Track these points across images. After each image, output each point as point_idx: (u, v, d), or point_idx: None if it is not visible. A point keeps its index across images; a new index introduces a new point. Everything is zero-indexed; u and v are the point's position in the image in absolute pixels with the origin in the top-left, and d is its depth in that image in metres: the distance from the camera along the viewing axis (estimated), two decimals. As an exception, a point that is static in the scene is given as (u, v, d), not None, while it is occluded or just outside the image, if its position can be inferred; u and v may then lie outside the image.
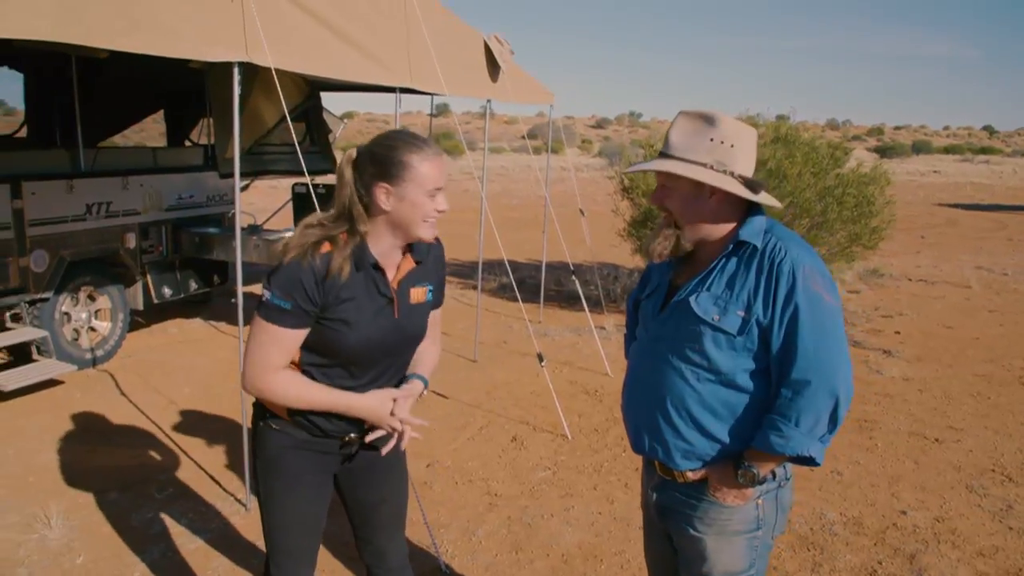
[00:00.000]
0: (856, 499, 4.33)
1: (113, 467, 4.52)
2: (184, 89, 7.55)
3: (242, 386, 2.11)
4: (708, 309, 1.93)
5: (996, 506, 4.28)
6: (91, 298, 6.35)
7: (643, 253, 7.77)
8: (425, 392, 2.30)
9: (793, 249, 1.90)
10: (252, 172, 7.29)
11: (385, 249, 2.10)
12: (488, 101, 6.55)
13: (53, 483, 4.33)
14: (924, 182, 32.96)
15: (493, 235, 5.55)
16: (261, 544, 2.35)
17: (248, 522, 3.89)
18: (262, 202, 12.02)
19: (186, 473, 4.46)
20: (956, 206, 22.93)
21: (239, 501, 4.12)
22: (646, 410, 2.08)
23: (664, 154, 2.00)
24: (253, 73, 5.04)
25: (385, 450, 2.20)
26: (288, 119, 4.22)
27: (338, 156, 6.80)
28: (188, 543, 3.72)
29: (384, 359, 2.18)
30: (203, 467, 4.52)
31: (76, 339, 6.19)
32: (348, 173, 2.06)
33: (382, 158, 2.02)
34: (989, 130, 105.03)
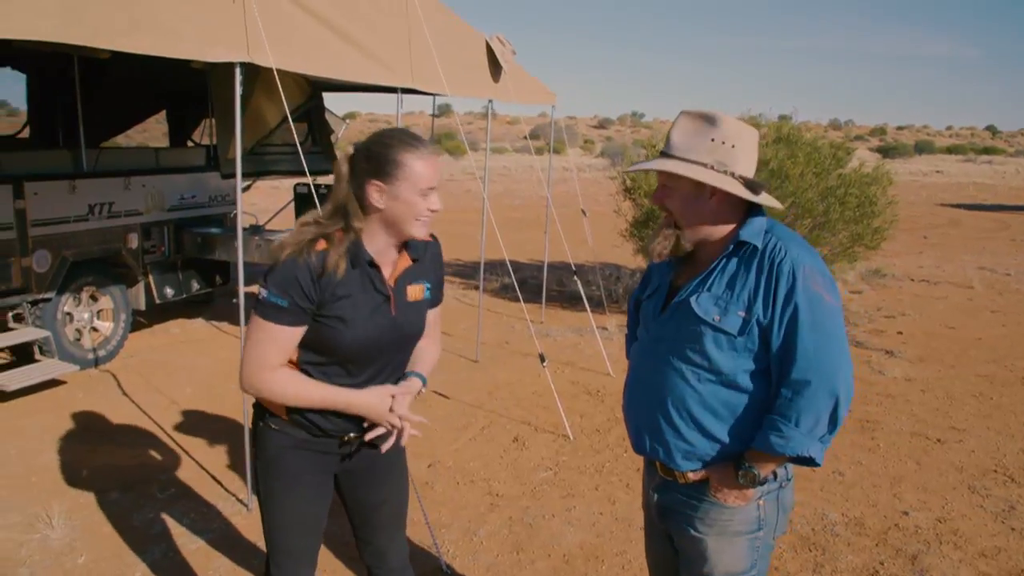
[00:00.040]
0: (858, 499, 4.32)
1: (115, 467, 4.53)
2: (186, 89, 7.56)
3: (240, 385, 2.11)
4: (709, 309, 1.93)
5: (998, 507, 4.27)
6: (93, 298, 6.36)
7: (644, 253, 7.78)
8: (423, 390, 2.30)
9: (793, 249, 1.90)
10: (254, 172, 7.30)
11: (380, 247, 2.11)
12: (490, 101, 6.55)
13: (55, 483, 4.34)
14: (927, 182, 32.93)
15: (495, 235, 5.55)
16: (262, 544, 2.35)
17: (249, 522, 3.89)
18: (264, 202, 12.02)
19: (188, 473, 4.46)
20: (959, 206, 22.91)
21: (240, 501, 4.12)
22: (647, 411, 2.07)
23: (665, 154, 2.00)
24: (255, 73, 5.04)
25: (385, 447, 2.19)
26: (290, 119, 4.21)
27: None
28: (189, 543, 3.73)
29: (381, 357, 2.18)
30: (205, 467, 4.53)
31: (78, 339, 6.20)
32: (344, 170, 2.08)
33: (377, 156, 2.03)
34: (992, 130, 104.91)
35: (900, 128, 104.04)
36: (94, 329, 6.37)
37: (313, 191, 4.26)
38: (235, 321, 7.26)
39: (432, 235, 2.26)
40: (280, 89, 3.92)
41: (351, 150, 2.10)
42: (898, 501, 4.32)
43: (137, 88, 7.53)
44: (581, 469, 4.65)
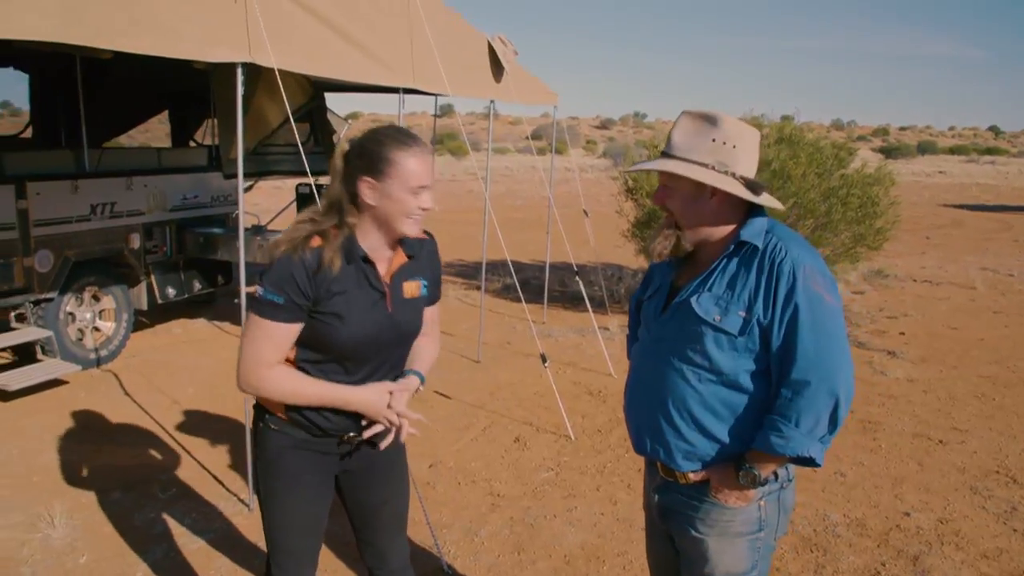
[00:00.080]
0: (860, 500, 4.32)
1: (116, 467, 4.53)
2: (189, 90, 7.57)
3: (237, 383, 2.11)
4: (709, 310, 1.93)
5: (1000, 508, 4.26)
6: (95, 298, 6.37)
7: (645, 253, 7.78)
8: (421, 388, 2.30)
9: (794, 249, 1.89)
10: (256, 173, 7.31)
11: (374, 243, 2.11)
12: (492, 102, 6.55)
13: (57, 482, 4.34)
14: (929, 183, 32.90)
15: (497, 236, 5.55)
16: (263, 544, 2.35)
17: (251, 522, 3.90)
18: (266, 203, 12.03)
19: (189, 473, 4.46)
20: (961, 207, 22.88)
21: (242, 501, 4.13)
22: (648, 411, 2.07)
23: (666, 154, 2.00)
24: (257, 74, 5.05)
25: (383, 445, 2.19)
26: (291, 120, 4.22)
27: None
28: (191, 543, 3.73)
29: (378, 354, 2.17)
30: (206, 467, 4.53)
31: (80, 339, 6.20)
32: (339, 165, 2.09)
33: (369, 152, 2.04)
34: (995, 131, 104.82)
35: (903, 128, 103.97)
36: (96, 329, 6.38)
37: (315, 191, 4.27)
38: (237, 321, 7.26)
39: (428, 232, 2.26)
40: (282, 89, 3.92)
41: (347, 146, 2.10)
42: (900, 502, 4.31)
43: (139, 88, 7.54)
44: (582, 469, 4.65)
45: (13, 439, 4.87)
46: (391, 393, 2.16)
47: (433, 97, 6.76)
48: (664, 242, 2.04)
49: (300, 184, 7.79)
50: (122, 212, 6.47)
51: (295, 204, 7.92)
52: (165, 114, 8.65)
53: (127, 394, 5.73)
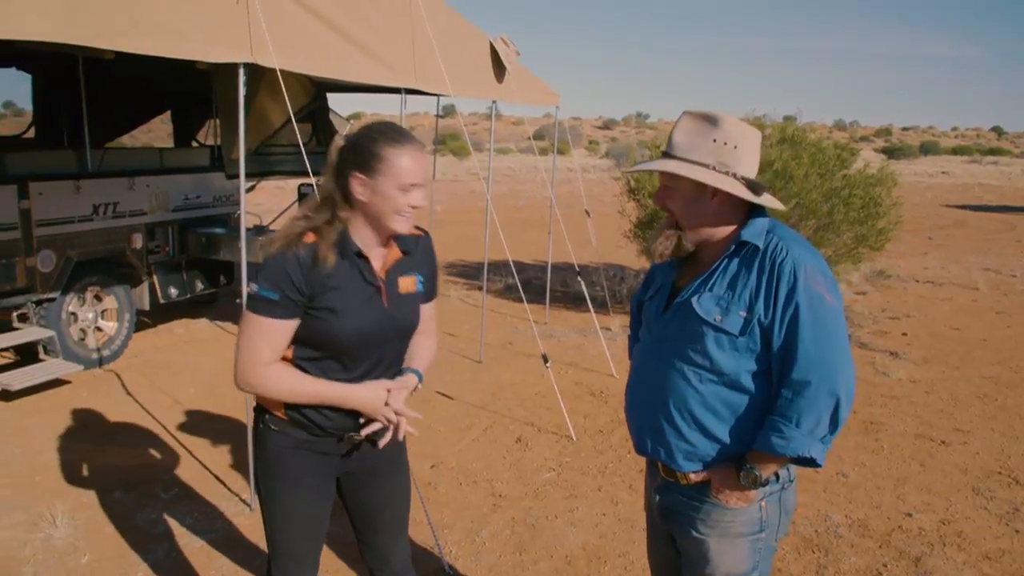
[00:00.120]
0: (861, 501, 4.31)
1: (118, 466, 4.53)
2: (191, 90, 7.58)
3: (235, 382, 2.11)
4: (710, 310, 1.93)
5: (1003, 509, 4.26)
6: (98, 298, 6.38)
7: (646, 253, 7.78)
8: (420, 386, 2.29)
9: (794, 249, 1.89)
10: (258, 173, 7.31)
11: (367, 239, 2.12)
12: (494, 102, 6.55)
13: (59, 482, 4.35)
14: (932, 183, 32.87)
15: (499, 236, 5.55)
16: (264, 544, 2.35)
17: (252, 522, 3.90)
18: (269, 203, 12.05)
19: (191, 473, 4.47)
20: (964, 207, 22.86)
21: (243, 501, 4.13)
22: (649, 411, 2.07)
23: (667, 154, 2.00)
24: (259, 74, 5.05)
25: (382, 443, 2.18)
26: (293, 120, 4.22)
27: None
28: (192, 543, 3.73)
29: (375, 350, 2.17)
30: (208, 467, 4.53)
31: (82, 339, 6.21)
32: (334, 160, 2.09)
33: (361, 148, 2.04)
34: (998, 131, 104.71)
35: (905, 129, 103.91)
36: (98, 329, 6.38)
37: (317, 192, 4.26)
38: (239, 321, 7.27)
39: (422, 229, 2.27)
40: (284, 90, 3.92)
41: (341, 142, 2.11)
42: (902, 503, 4.31)
43: (142, 88, 7.54)
44: (584, 470, 4.65)
45: (15, 439, 4.88)
46: (389, 391, 2.16)
47: (435, 97, 6.76)
48: (665, 242, 2.04)
49: (302, 184, 7.79)
50: (124, 212, 6.48)
51: (297, 204, 7.93)
52: (167, 114, 8.65)
53: (129, 394, 5.74)
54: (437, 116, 8.04)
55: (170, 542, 3.74)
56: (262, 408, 2.22)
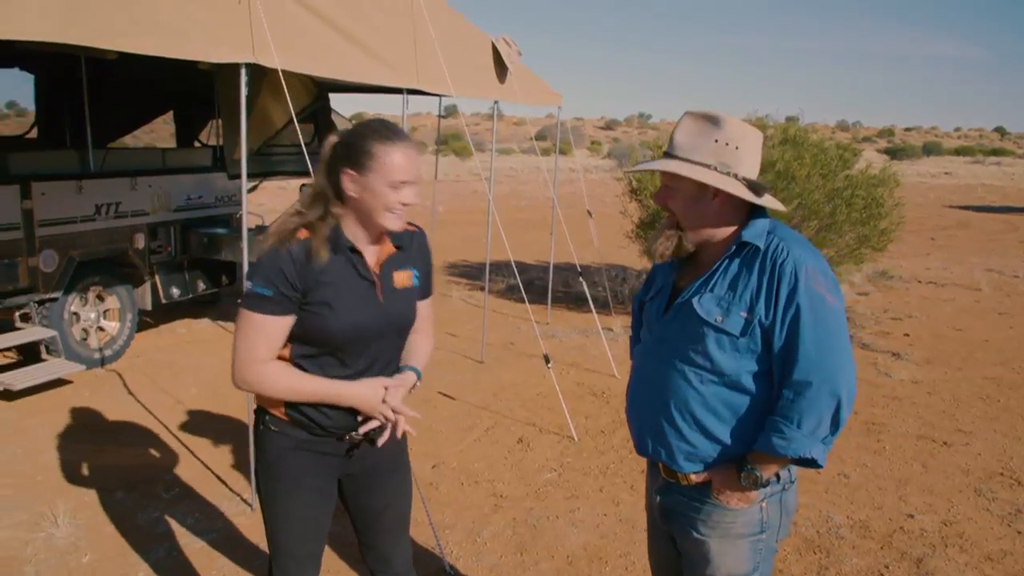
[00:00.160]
0: (863, 502, 4.30)
1: (120, 466, 4.54)
2: (193, 90, 7.59)
3: (232, 381, 2.11)
4: (711, 310, 1.93)
5: (1004, 510, 4.25)
6: (100, 298, 6.38)
7: (647, 253, 7.78)
8: (419, 383, 2.29)
9: (795, 249, 1.89)
10: (260, 173, 7.32)
11: (360, 235, 2.12)
12: (496, 102, 6.55)
13: (60, 482, 4.35)
14: (935, 184, 32.83)
15: (501, 236, 5.55)
16: (265, 544, 2.35)
17: (253, 522, 3.90)
18: (271, 203, 12.07)
19: (192, 473, 4.47)
20: (967, 208, 22.83)
21: (244, 501, 4.13)
22: (649, 412, 2.07)
23: (668, 154, 1.99)
24: (261, 74, 5.05)
25: (381, 441, 2.18)
26: (295, 121, 4.23)
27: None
28: (193, 543, 3.73)
29: (372, 345, 2.17)
30: (209, 467, 4.54)
31: (85, 339, 6.22)
32: (326, 156, 2.10)
33: (353, 145, 2.05)
34: (1001, 132, 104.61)
35: (908, 129, 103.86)
36: (100, 329, 6.39)
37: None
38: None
39: (415, 225, 2.27)
40: (286, 90, 3.92)
41: (334, 138, 2.11)
42: (903, 504, 4.30)
43: (144, 89, 7.55)
44: (585, 470, 4.65)
45: (17, 438, 4.89)
46: (386, 388, 2.15)
47: (437, 98, 6.77)
48: (666, 243, 2.04)
49: (304, 184, 7.78)
50: (127, 212, 6.49)
51: (298, 204, 7.92)
52: (170, 114, 8.67)
53: (131, 394, 5.74)
54: (439, 116, 8.04)
55: (171, 542, 3.74)
56: (262, 409, 2.22)
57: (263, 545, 3.57)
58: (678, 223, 2.02)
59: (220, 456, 4.70)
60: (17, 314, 5.78)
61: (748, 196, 1.92)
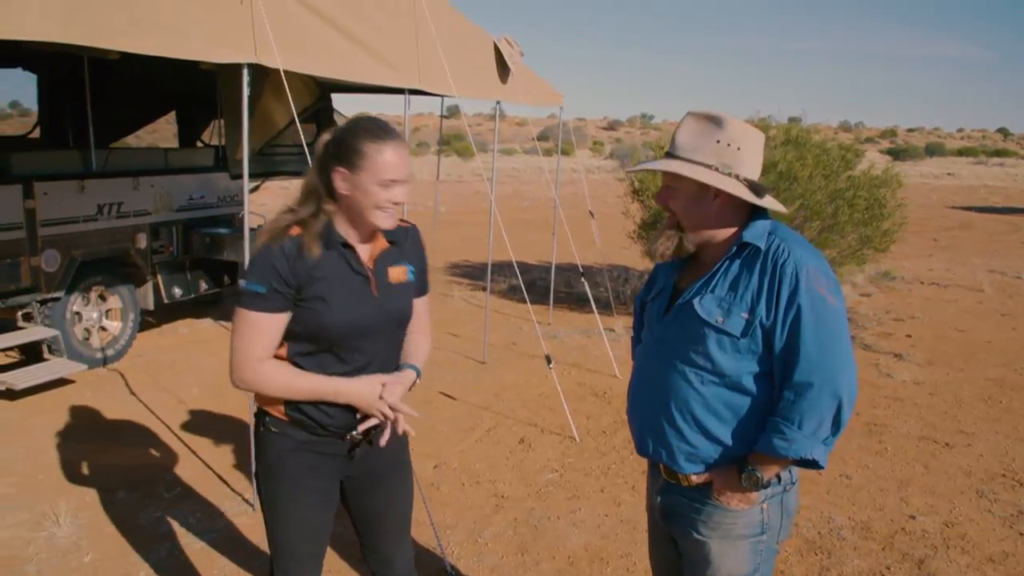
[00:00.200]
0: (865, 503, 4.30)
1: (122, 466, 4.54)
2: (196, 90, 7.60)
3: (231, 380, 2.11)
4: (712, 311, 1.92)
5: (1006, 511, 4.24)
6: (102, 298, 6.39)
7: (648, 254, 7.77)
8: (418, 380, 2.29)
9: (796, 250, 1.89)
10: (262, 173, 7.33)
11: (352, 231, 2.13)
12: (498, 103, 6.55)
13: (62, 481, 4.36)
14: (938, 185, 32.80)
15: (503, 237, 5.55)
16: (267, 544, 2.35)
17: (254, 522, 3.90)
18: (273, 203, 12.06)
19: (194, 473, 4.47)
20: (970, 209, 22.80)
21: (246, 501, 4.13)
22: (650, 413, 2.07)
23: (670, 154, 1.99)
24: (264, 74, 5.06)
25: (383, 441, 2.17)
26: (297, 121, 4.23)
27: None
28: (194, 542, 3.74)
29: (369, 341, 2.16)
30: (211, 467, 4.54)
31: (87, 338, 6.23)
32: (319, 153, 2.11)
33: (343, 143, 2.06)
34: (1004, 132, 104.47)
35: (911, 130, 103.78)
36: (102, 328, 6.40)
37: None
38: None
39: (408, 221, 2.27)
40: (287, 90, 3.92)
41: (327, 136, 2.12)
42: (905, 505, 4.30)
43: (147, 89, 7.56)
44: (587, 471, 4.65)
45: (19, 438, 4.89)
46: (384, 385, 2.15)
47: (439, 98, 6.77)
48: (666, 243, 2.04)
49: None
50: (129, 212, 6.49)
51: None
52: (172, 114, 8.68)
53: (133, 394, 5.75)
54: (441, 117, 8.04)
55: (172, 541, 3.74)
56: (262, 411, 2.22)
57: (264, 545, 3.56)
58: (679, 223, 2.02)
59: (222, 456, 4.70)
60: (19, 314, 5.79)
61: (749, 197, 1.92)
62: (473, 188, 24.03)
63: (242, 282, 2.07)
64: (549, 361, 5.27)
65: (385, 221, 2.09)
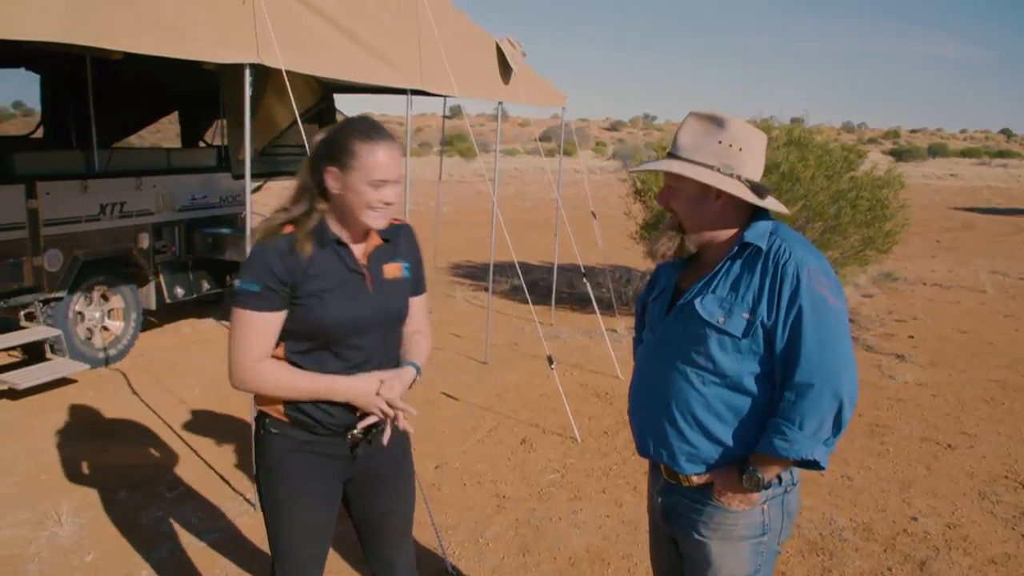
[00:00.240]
0: (867, 505, 4.29)
1: (123, 465, 4.55)
2: (198, 91, 7.60)
3: (230, 381, 2.12)
4: (713, 312, 1.92)
5: (1009, 513, 4.24)
6: (104, 297, 6.40)
7: (649, 254, 7.77)
8: (418, 378, 2.28)
9: (798, 250, 1.88)
10: (265, 173, 7.34)
11: (344, 230, 2.14)
12: (500, 103, 6.55)
13: (64, 481, 4.36)
14: (940, 186, 32.75)
15: (505, 237, 5.55)
16: (268, 545, 2.34)
17: (256, 522, 3.90)
18: (275, 203, 12.05)
19: (195, 472, 4.48)
20: (972, 210, 22.77)
21: (247, 501, 4.14)
22: (651, 413, 2.07)
23: (672, 155, 1.99)
24: (266, 75, 5.07)
25: (385, 439, 2.17)
26: (299, 122, 4.23)
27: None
28: (196, 542, 3.74)
29: (365, 337, 2.16)
30: (212, 466, 4.54)
31: (89, 338, 6.23)
32: (312, 152, 2.12)
33: (335, 143, 2.06)
34: (1007, 133, 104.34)
35: (914, 131, 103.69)
36: (105, 328, 6.40)
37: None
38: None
39: (401, 219, 2.28)
40: (290, 91, 3.93)
41: (320, 135, 2.13)
42: (907, 506, 4.29)
43: (150, 89, 7.57)
44: (588, 472, 4.64)
45: (21, 437, 4.90)
46: (381, 382, 2.15)
47: (442, 98, 6.77)
48: (668, 243, 2.04)
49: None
50: (131, 212, 6.50)
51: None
52: (175, 115, 8.69)
53: (135, 393, 5.75)
54: (444, 117, 8.04)
55: (174, 541, 3.75)
56: (263, 414, 2.22)
57: (265, 545, 3.56)
58: (681, 224, 2.02)
59: (223, 456, 4.70)
60: (22, 313, 5.80)
61: (750, 198, 1.92)
62: (475, 188, 24.03)
63: (237, 282, 2.07)
64: (551, 362, 5.27)
65: (376, 221, 2.09)
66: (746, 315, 1.89)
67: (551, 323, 8.10)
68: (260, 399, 2.20)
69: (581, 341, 7.47)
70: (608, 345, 6.61)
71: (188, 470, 4.51)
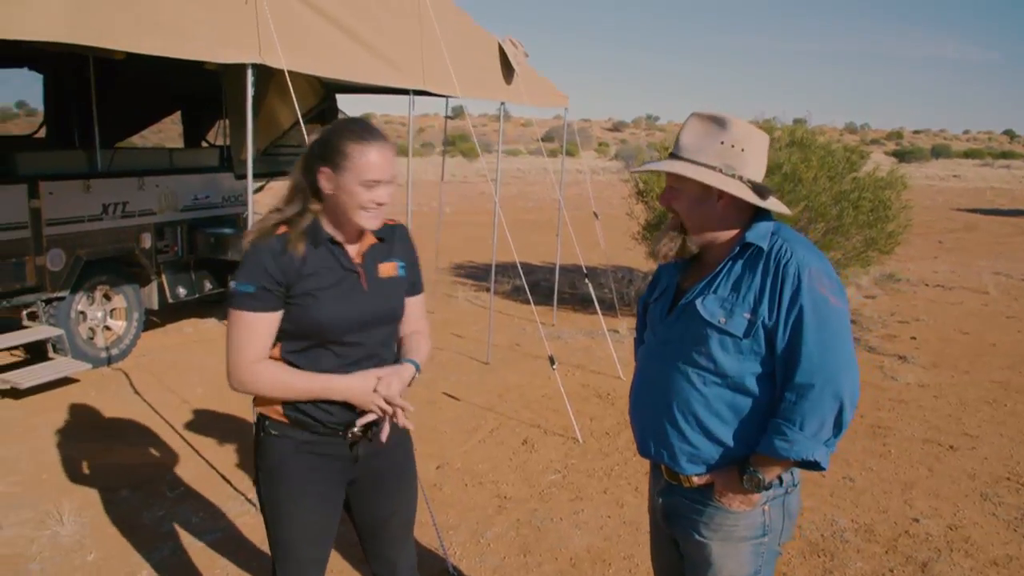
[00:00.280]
0: (868, 506, 4.29)
1: (125, 465, 4.55)
2: (201, 91, 7.61)
3: (228, 382, 2.12)
4: (714, 312, 1.92)
5: (1011, 515, 4.23)
6: (107, 297, 6.41)
7: (651, 254, 7.77)
8: (417, 375, 2.28)
9: (799, 251, 1.88)
10: (267, 173, 7.34)
11: (338, 229, 2.14)
12: (502, 104, 6.55)
13: (66, 480, 4.37)
14: (943, 187, 32.71)
15: (507, 238, 5.55)
16: (269, 546, 2.34)
17: (257, 521, 3.90)
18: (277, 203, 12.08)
19: (197, 472, 4.48)
20: (975, 211, 22.73)
21: (249, 501, 4.14)
22: (652, 414, 2.07)
23: (674, 155, 1.99)
24: (269, 75, 5.07)
25: (383, 436, 2.16)
26: (301, 122, 4.24)
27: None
28: (197, 542, 3.74)
29: (361, 335, 2.16)
30: (214, 466, 4.55)
31: (91, 338, 6.24)
32: (306, 152, 2.13)
33: (328, 144, 2.07)
34: (1010, 134, 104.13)
35: (917, 132, 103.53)
36: (107, 328, 6.41)
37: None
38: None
39: (395, 219, 2.28)
40: (292, 91, 3.93)
41: (314, 136, 2.14)
42: (909, 508, 4.29)
43: (152, 89, 7.59)
44: (589, 472, 4.64)
45: (23, 437, 4.90)
46: (379, 379, 2.14)
47: (444, 99, 6.77)
48: (669, 243, 2.04)
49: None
50: (134, 212, 6.51)
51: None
52: (177, 115, 8.70)
53: (137, 393, 5.76)
54: (446, 117, 8.05)
55: (175, 541, 3.75)
56: (262, 416, 2.21)
57: (266, 546, 3.56)
58: (682, 224, 2.02)
59: (225, 456, 4.71)
60: (24, 313, 5.81)
61: (752, 199, 1.92)
62: (478, 189, 24.03)
63: (232, 283, 2.08)
64: (553, 362, 5.27)
65: (369, 221, 2.10)
66: (747, 315, 1.89)
67: (553, 323, 8.10)
68: (259, 401, 2.20)
69: (583, 341, 7.47)
70: (610, 345, 6.61)
71: (189, 470, 4.51)
